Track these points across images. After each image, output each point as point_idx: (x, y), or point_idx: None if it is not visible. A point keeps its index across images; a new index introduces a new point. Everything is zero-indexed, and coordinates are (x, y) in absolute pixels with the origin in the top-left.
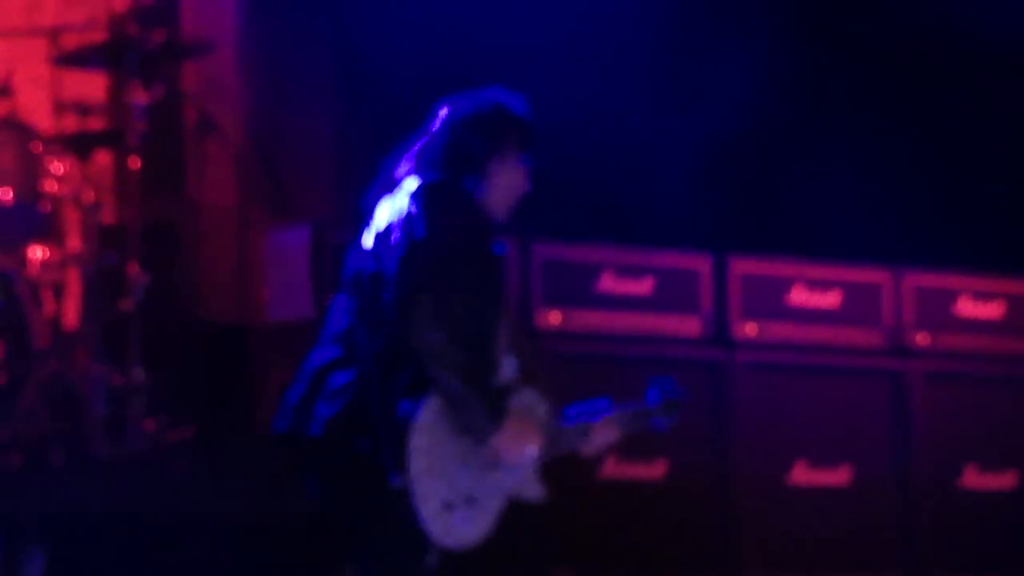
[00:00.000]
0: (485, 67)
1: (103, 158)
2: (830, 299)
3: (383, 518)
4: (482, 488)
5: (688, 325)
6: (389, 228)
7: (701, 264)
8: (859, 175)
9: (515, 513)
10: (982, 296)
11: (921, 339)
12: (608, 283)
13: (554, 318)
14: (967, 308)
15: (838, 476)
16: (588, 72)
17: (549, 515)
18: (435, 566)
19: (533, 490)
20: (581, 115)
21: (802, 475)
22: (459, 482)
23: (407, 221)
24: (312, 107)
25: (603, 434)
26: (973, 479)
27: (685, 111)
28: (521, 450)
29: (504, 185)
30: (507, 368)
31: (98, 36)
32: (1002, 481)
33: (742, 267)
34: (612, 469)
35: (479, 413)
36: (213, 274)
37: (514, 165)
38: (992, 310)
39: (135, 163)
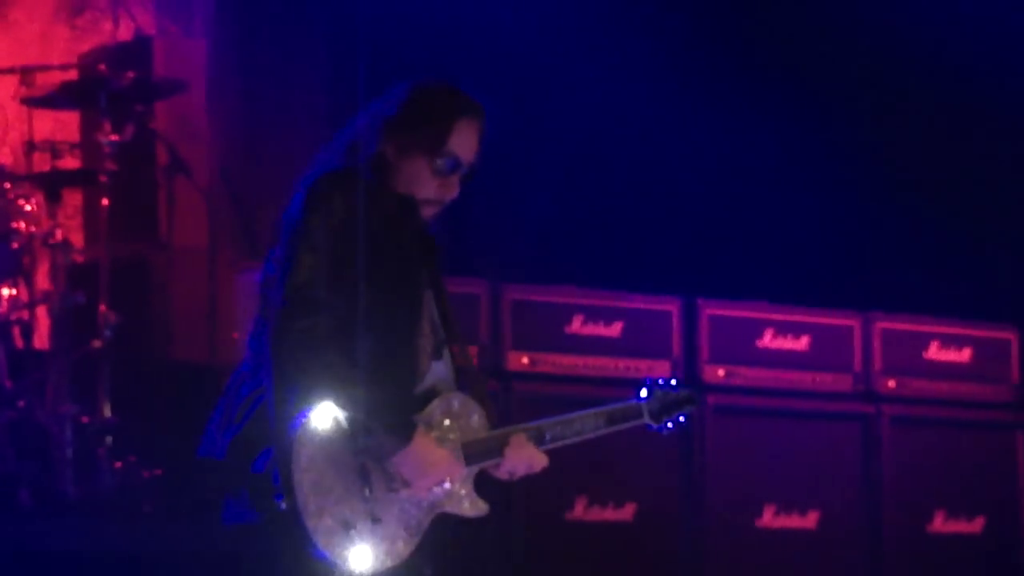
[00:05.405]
0: None
1: (74, 197)
2: (800, 343)
3: (278, 543)
4: (389, 507)
5: (658, 368)
6: (281, 226)
7: (671, 307)
8: (829, 219)
9: (468, 535)
10: (951, 341)
11: (890, 384)
12: (578, 326)
13: (524, 360)
14: (936, 353)
15: (807, 520)
16: (559, 116)
17: (516, 555)
18: None
19: (470, 506)
20: (555, 160)
21: (771, 519)
22: (358, 501)
23: (288, 223)
24: (283, 148)
25: (517, 452)
26: (942, 524)
27: (655, 156)
28: (426, 473)
29: (405, 180)
30: (435, 373)
31: (70, 75)
32: (970, 526)
33: (712, 311)
34: (581, 512)
35: (375, 434)
36: (183, 314)
37: (419, 161)
38: (960, 355)
39: (106, 202)
